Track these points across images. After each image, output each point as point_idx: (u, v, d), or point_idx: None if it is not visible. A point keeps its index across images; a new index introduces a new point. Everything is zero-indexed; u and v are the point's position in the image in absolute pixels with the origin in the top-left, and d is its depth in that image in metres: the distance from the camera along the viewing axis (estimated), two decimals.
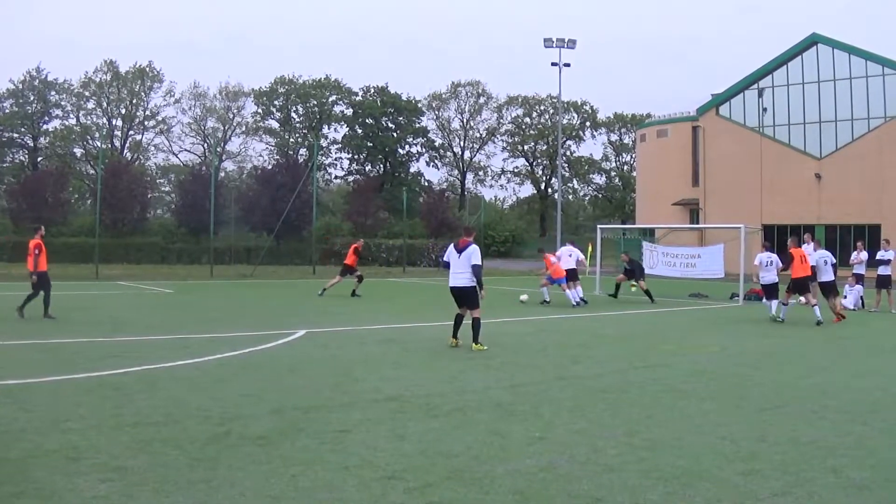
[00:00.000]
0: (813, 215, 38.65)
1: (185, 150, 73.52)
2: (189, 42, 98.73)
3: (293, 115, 74.07)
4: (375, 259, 44.31)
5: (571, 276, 19.06)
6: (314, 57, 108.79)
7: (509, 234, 58.97)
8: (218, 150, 69.41)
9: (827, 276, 16.32)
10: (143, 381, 7.82)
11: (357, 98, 73.24)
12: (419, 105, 75.18)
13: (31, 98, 65.91)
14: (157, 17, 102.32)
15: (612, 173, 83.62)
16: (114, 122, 70.78)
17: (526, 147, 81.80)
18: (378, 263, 43.69)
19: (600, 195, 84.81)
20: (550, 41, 47.23)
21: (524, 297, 18.93)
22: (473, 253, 10.55)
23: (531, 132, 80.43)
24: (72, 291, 19.95)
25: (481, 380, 8.24)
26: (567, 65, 47.75)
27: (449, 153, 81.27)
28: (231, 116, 73.66)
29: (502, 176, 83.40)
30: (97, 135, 69.59)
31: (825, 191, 39.26)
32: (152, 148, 73.27)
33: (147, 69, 68.92)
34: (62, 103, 68.43)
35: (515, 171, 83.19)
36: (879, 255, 18.42)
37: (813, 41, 40.44)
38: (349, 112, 73.75)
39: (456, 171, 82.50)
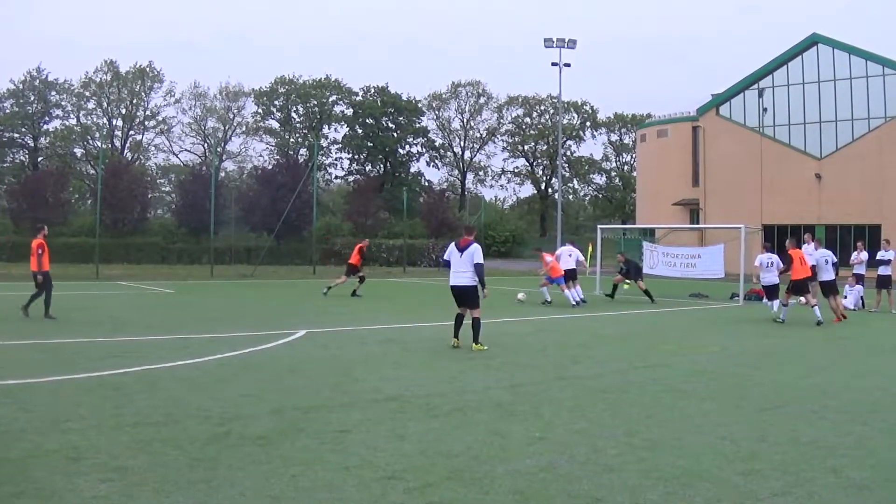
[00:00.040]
0: (813, 215, 38.65)
1: (186, 150, 73.69)
2: (189, 42, 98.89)
3: (293, 115, 74.13)
4: (376, 259, 44.32)
5: (571, 276, 19.05)
6: (314, 57, 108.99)
7: (509, 235, 58.97)
8: (218, 150, 69.45)
9: (828, 275, 16.33)
10: (143, 381, 7.82)
11: (357, 98, 73.30)
12: (419, 105, 75.23)
13: (32, 98, 65.95)
14: (157, 17, 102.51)
15: (613, 173, 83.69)
16: (114, 122, 70.93)
17: (526, 147, 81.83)
18: (378, 263, 43.70)
19: (600, 195, 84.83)
20: (551, 41, 47.24)
21: (521, 295, 18.93)
22: (475, 252, 10.55)
23: (531, 132, 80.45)
24: (72, 291, 19.95)
25: (481, 380, 8.24)
26: (567, 65, 47.78)
27: (449, 153, 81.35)
28: (231, 116, 73.79)
29: (502, 176, 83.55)
30: (97, 135, 69.63)
31: (825, 191, 39.26)
32: (153, 148, 73.45)
33: (147, 69, 68.98)
34: (62, 103, 68.52)
35: (516, 171, 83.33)
36: (880, 256, 18.42)
37: (813, 41, 40.44)
38: (349, 112, 73.81)
39: (456, 171, 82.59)
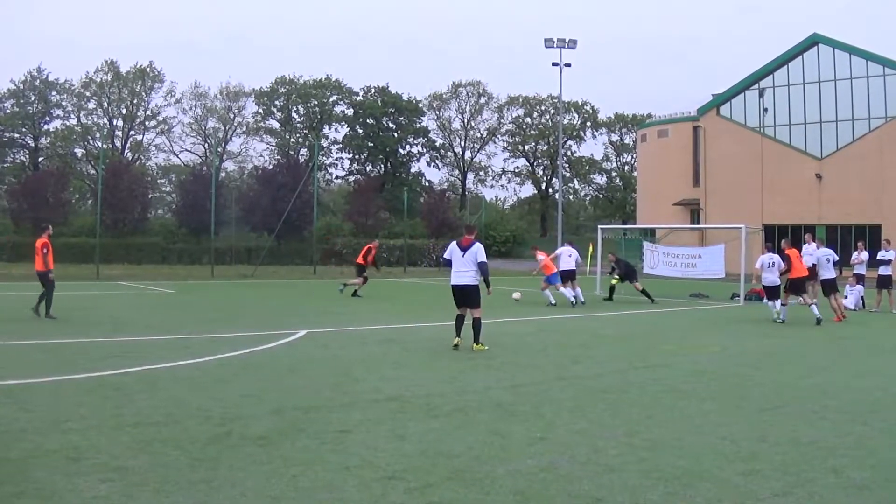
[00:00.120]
0: (813, 215, 38.66)
1: (186, 150, 73.67)
2: (189, 42, 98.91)
3: (294, 115, 74.13)
4: (376, 259, 44.32)
5: (570, 276, 19.06)
6: (314, 57, 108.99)
7: (510, 235, 58.98)
8: (219, 150, 69.49)
9: (829, 273, 16.38)
10: (143, 381, 7.82)
11: (358, 98, 73.32)
12: (420, 105, 75.24)
13: (32, 98, 65.96)
14: (157, 17, 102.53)
15: (613, 173, 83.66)
16: (114, 123, 70.92)
17: (527, 147, 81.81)
18: (379, 263, 43.70)
19: (601, 195, 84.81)
20: (551, 41, 47.25)
21: (517, 294, 18.88)
22: (478, 251, 10.53)
23: (532, 132, 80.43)
24: (73, 292, 19.96)
25: (482, 380, 8.24)
26: (568, 65, 47.82)
27: (450, 153, 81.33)
28: (232, 116, 73.77)
29: (503, 176, 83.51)
30: (98, 135, 69.64)
31: (826, 191, 39.27)
32: (153, 148, 73.44)
33: (148, 69, 68.98)
34: (63, 103, 68.51)
35: (516, 171, 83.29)
36: (880, 256, 18.42)
37: (813, 41, 40.45)
38: (350, 112, 73.83)
39: (457, 172, 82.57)
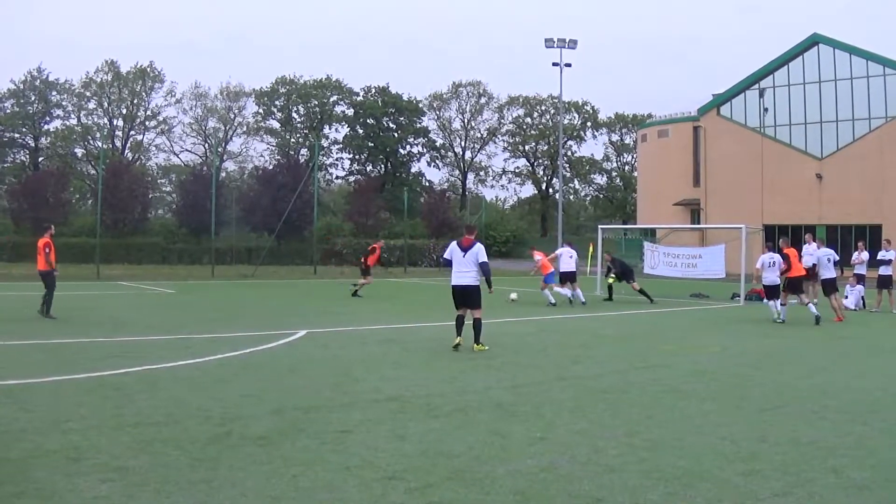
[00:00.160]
0: (814, 215, 38.65)
1: (186, 150, 73.67)
2: (189, 42, 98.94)
3: (294, 115, 74.14)
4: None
5: (571, 277, 19.07)
6: (315, 57, 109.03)
7: (510, 235, 58.98)
8: (219, 150, 69.52)
9: (829, 273, 16.40)
10: (143, 381, 7.83)
11: (358, 98, 73.32)
12: (420, 105, 75.24)
13: (33, 98, 65.94)
14: (157, 17, 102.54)
15: (613, 173, 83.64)
16: (115, 123, 70.94)
17: (527, 147, 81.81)
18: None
19: (601, 195, 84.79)
20: (551, 41, 47.24)
21: (514, 295, 18.89)
22: (479, 251, 10.52)
23: (532, 132, 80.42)
24: (73, 292, 19.96)
25: (482, 380, 8.24)
26: (568, 65, 47.80)
27: (450, 153, 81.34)
28: (232, 116, 73.78)
29: (503, 176, 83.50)
30: (98, 135, 69.65)
31: (826, 191, 39.26)
32: (153, 148, 73.46)
33: (148, 69, 68.99)
34: (63, 103, 68.52)
35: (516, 171, 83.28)
36: (880, 256, 18.43)
37: (814, 41, 40.44)
38: (350, 112, 73.83)
39: (457, 172, 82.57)
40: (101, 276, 28.75)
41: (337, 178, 77.20)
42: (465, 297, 10.55)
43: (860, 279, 18.73)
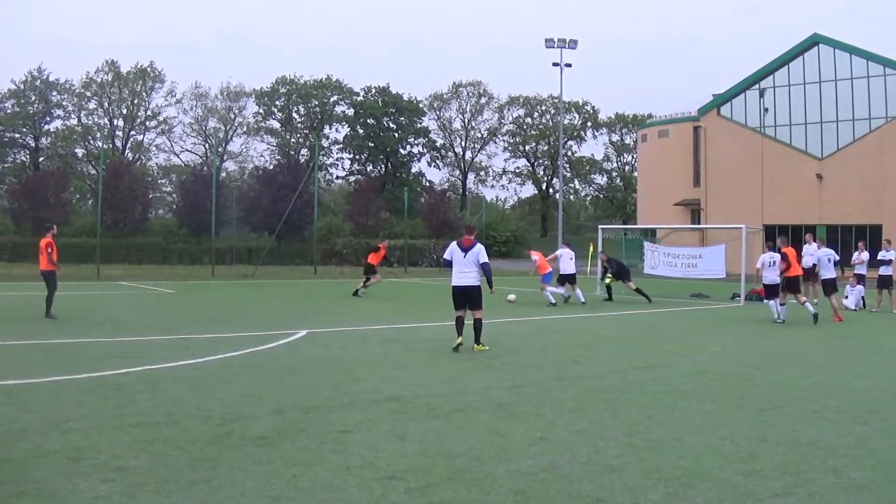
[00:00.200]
0: (814, 215, 38.64)
1: (187, 150, 73.74)
2: (189, 42, 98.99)
3: (294, 115, 74.16)
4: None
5: (571, 279, 19.08)
6: (315, 57, 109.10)
7: (511, 235, 58.98)
8: (219, 150, 69.54)
9: (829, 273, 16.42)
10: (144, 381, 7.83)
11: (358, 98, 73.34)
12: (420, 105, 75.26)
13: (33, 98, 66.00)
14: (157, 17, 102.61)
15: (614, 173, 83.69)
16: (115, 123, 71.02)
17: (527, 147, 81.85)
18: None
19: (601, 195, 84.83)
20: (551, 41, 47.25)
21: (512, 296, 18.87)
22: (480, 252, 10.51)
23: (532, 132, 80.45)
24: (73, 292, 19.97)
25: (482, 380, 8.24)
26: (568, 65, 47.82)
27: (450, 153, 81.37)
28: (232, 117, 73.83)
29: (503, 176, 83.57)
30: (98, 135, 69.70)
31: (826, 191, 39.25)
32: (154, 148, 73.55)
33: (148, 69, 69.03)
34: (63, 103, 68.59)
35: (517, 171, 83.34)
36: (881, 256, 18.42)
37: (814, 41, 40.43)
38: (350, 112, 73.84)
39: (457, 172, 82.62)
40: (102, 276, 28.75)
41: (337, 178, 77.35)
42: (467, 298, 10.54)
43: (860, 279, 18.73)
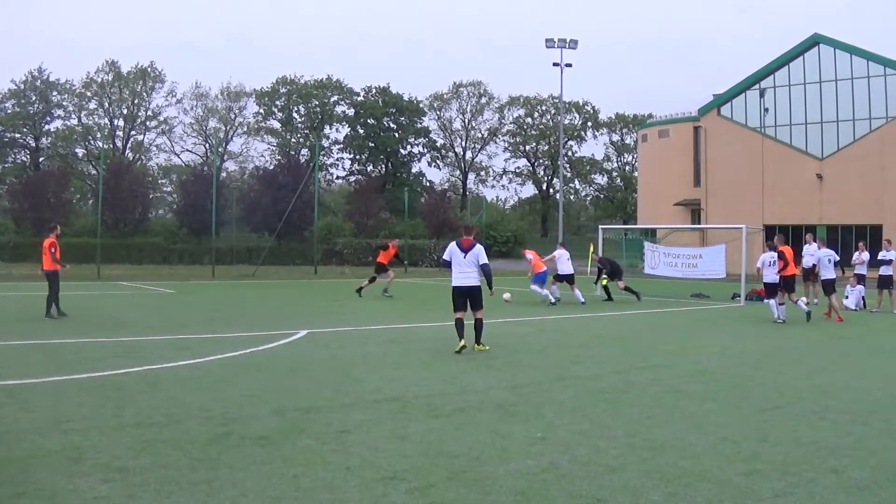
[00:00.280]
0: (814, 215, 38.63)
1: (187, 150, 73.78)
2: (189, 42, 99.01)
3: (295, 115, 74.16)
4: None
5: (571, 280, 19.08)
6: (315, 57, 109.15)
7: (511, 235, 58.96)
8: (219, 150, 69.53)
9: (829, 273, 16.45)
10: (144, 381, 7.83)
11: (358, 98, 73.35)
12: (421, 105, 75.26)
13: (33, 98, 66.03)
14: (157, 17, 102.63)
15: (614, 173, 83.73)
16: (115, 123, 71.06)
17: (527, 147, 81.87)
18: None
19: (602, 195, 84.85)
20: (552, 41, 47.27)
21: (507, 296, 18.86)
22: (480, 252, 10.49)
23: (533, 132, 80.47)
24: (73, 292, 19.95)
25: (482, 380, 8.24)
26: (569, 65, 47.87)
27: (450, 153, 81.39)
28: (233, 117, 73.85)
29: (504, 176, 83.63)
30: (99, 135, 69.72)
31: (826, 191, 39.24)
32: (154, 148, 73.63)
33: (149, 69, 69.06)
34: (64, 103, 68.62)
35: (517, 171, 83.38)
36: (881, 256, 18.43)
37: (814, 41, 40.42)
38: (351, 112, 73.85)
39: (457, 172, 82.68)
40: (102, 276, 28.74)
41: (337, 178, 77.38)
42: (468, 298, 10.53)
43: (861, 279, 18.73)
